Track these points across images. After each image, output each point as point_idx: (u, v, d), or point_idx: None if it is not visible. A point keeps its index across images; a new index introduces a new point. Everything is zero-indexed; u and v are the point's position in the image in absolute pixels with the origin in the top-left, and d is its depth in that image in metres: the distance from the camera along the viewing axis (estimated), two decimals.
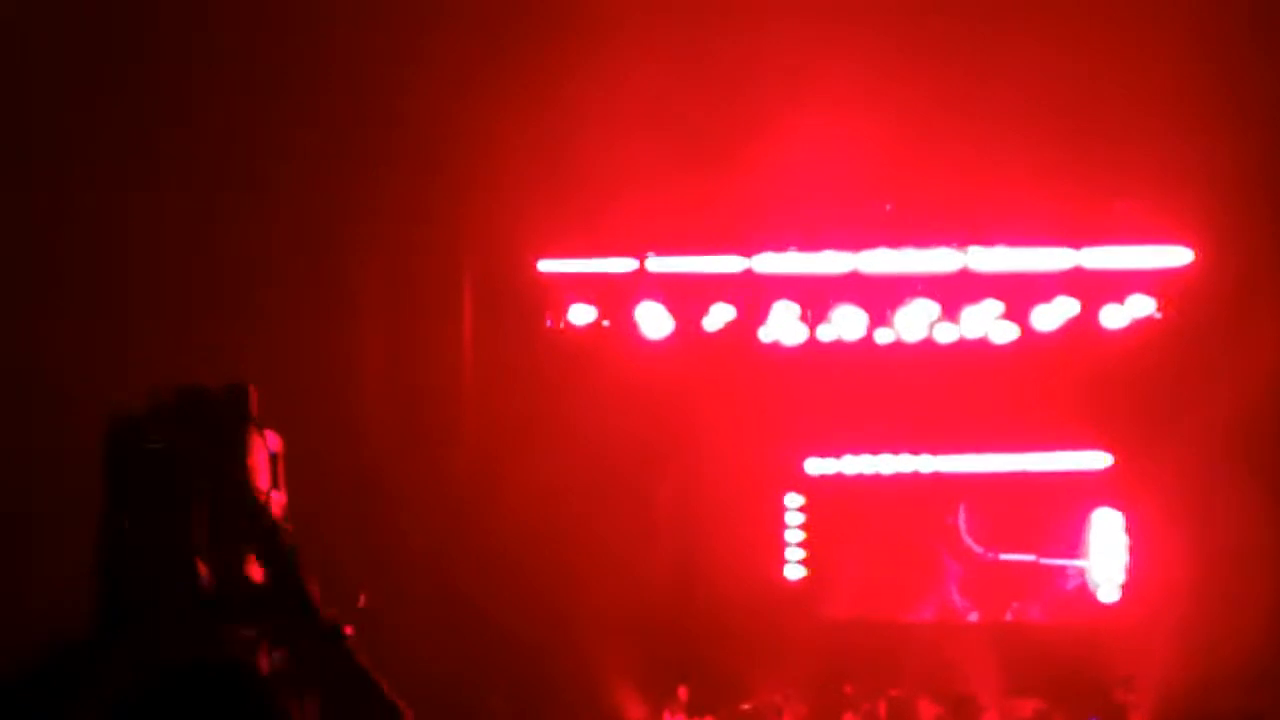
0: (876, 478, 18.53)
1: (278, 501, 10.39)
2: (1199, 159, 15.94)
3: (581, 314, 17.72)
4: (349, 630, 9.94)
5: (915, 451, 18.35)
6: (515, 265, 17.91)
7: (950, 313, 17.39)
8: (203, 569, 7.17)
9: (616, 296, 17.85)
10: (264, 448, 12.49)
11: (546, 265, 17.81)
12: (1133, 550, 18.08)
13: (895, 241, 17.50)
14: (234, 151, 15.89)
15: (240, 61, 15.85)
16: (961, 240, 17.44)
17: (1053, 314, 17.31)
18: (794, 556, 18.70)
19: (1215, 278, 17.12)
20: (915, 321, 17.38)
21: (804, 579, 18.69)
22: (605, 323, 17.80)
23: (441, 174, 16.78)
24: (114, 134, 15.62)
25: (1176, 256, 17.36)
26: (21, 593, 13.92)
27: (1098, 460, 18.20)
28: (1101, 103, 16.02)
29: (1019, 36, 15.75)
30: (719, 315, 17.52)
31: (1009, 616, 18.56)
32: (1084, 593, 18.39)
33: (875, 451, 18.41)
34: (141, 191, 15.61)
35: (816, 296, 17.55)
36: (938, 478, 18.54)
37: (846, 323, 17.42)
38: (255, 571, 7.19)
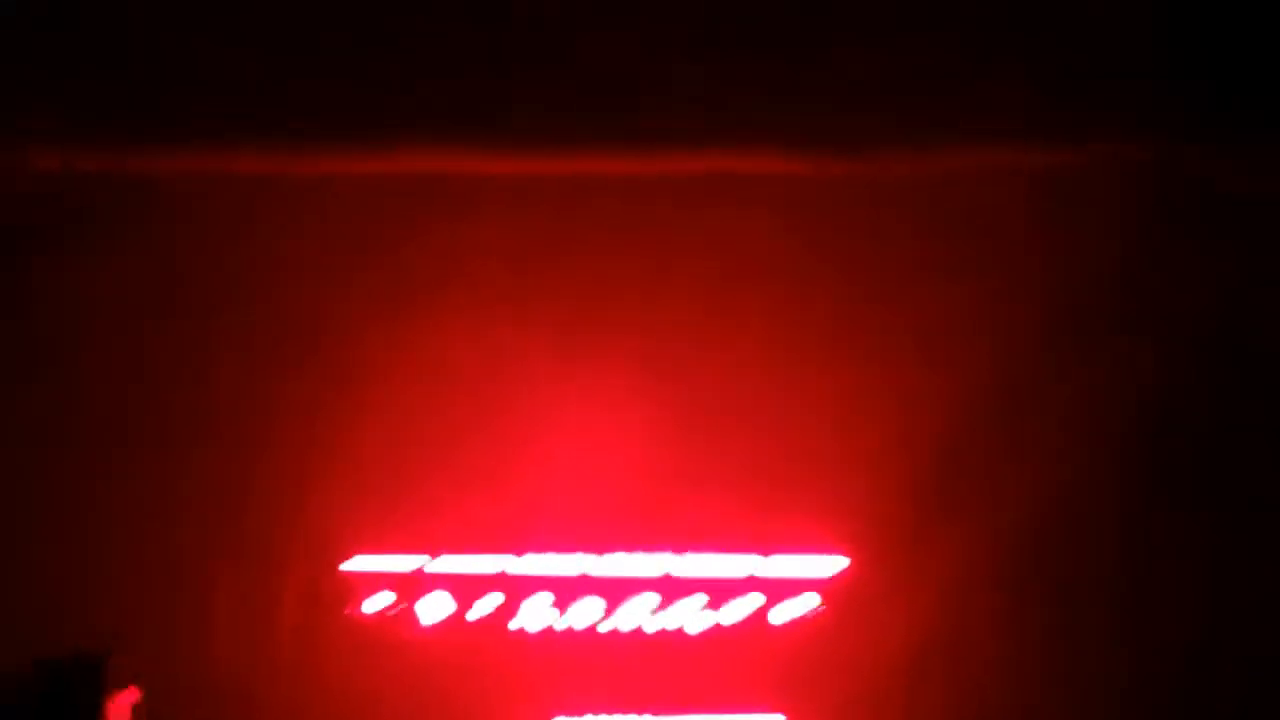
0: None
1: None
2: (857, 496, 19.81)
3: (374, 603, 20.23)
4: None
5: (640, 712, 20.71)
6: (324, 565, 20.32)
7: (665, 604, 20.63)
8: None
9: (404, 589, 20.46)
10: (125, 706, 16.81)
11: (348, 564, 20.31)
12: None
13: (627, 548, 20.70)
14: None
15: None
16: (675, 549, 20.88)
17: (742, 606, 20.78)
18: None
19: (864, 580, 20.56)
20: (637, 611, 20.70)
21: None
22: (393, 612, 20.33)
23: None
24: None
25: (836, 564, 20.92)
26: None
27: None
28: (778, 452, 19.70)
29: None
30: (483, 605, 20.31)
31: None
32: None
33: (610, 713, 20.73)
34: None
35: (562, 590, 20.67)
36: None
37: (584, 612, 20.64)
38: None
